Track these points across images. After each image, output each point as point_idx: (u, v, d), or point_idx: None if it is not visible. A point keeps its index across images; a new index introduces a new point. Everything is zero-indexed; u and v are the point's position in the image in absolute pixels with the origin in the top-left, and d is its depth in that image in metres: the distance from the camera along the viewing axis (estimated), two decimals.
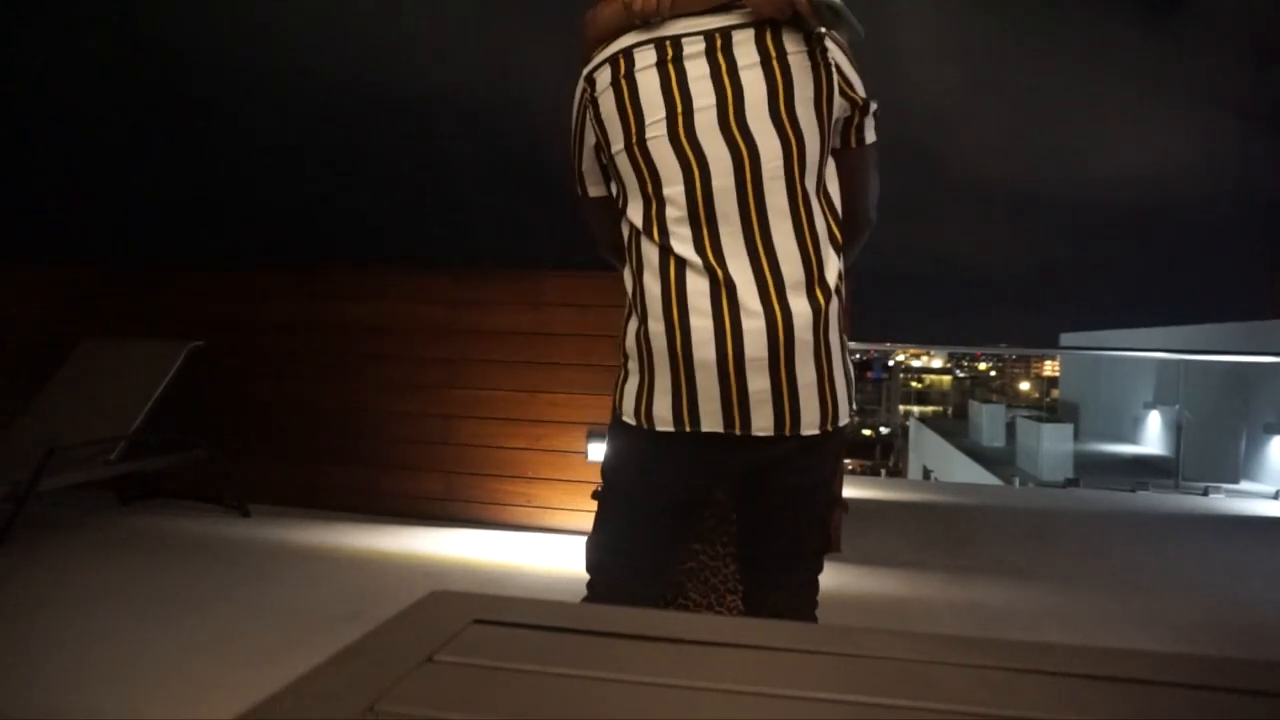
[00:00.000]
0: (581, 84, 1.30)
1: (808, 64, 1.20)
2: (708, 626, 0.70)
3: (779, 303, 1.19)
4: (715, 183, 1.20)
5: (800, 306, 1.20)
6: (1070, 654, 0.63)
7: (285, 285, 4.18)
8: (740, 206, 1.20)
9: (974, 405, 18.87)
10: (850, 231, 1.35)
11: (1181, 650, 0.68)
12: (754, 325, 1.19)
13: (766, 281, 1.19)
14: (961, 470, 14.87)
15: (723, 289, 1.19)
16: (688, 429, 1.23)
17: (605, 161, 1.30)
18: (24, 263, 4.58)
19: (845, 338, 1.29)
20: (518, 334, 3.84)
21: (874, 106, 1.28)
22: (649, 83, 1.22)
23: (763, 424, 1.22)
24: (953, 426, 19.75)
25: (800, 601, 1.39)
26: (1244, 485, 10.07)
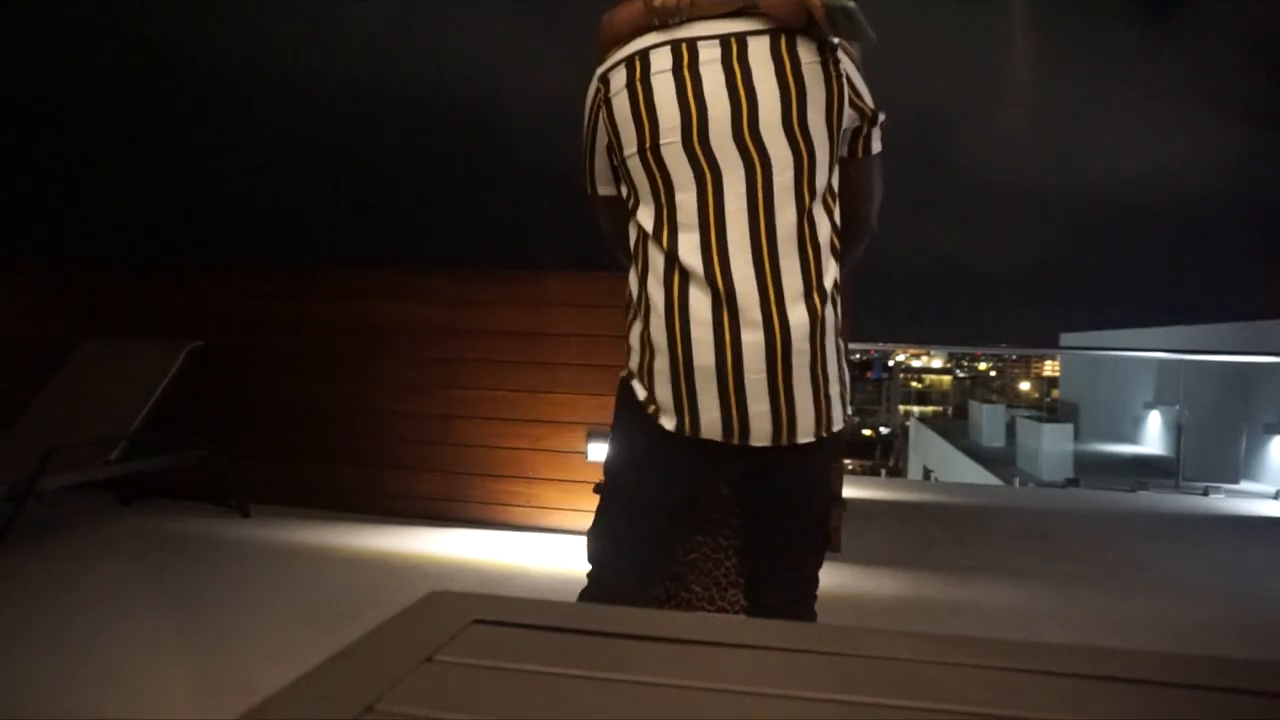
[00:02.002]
0: (595, 83, 1.30)
1: (821, 74, 1.21)
2: (708, 626, 0.70)
3: (778, 313, 1.21)
4: (728, 192, 1.22)
5: (798, 316, 1.22)
6: (1070, 654, 0.63)
7: (285, 285, 4.18)
8: (750, 215, 1.22)
9: (974, 405, 18.86)
10: (852, 238, 1.37)
11: (1181, 650, 0.68)
12: (753, 338, 1.21)
13: (768, 291, 1.21)
14: (961, 470, 14.86)
15: (724, 300, 1.21)
16: (687, 433, 1.26)
17: (616, 163, 1.32)
18: (24, 262, 4.58)
19: (841, 341, 1.31)
20: (518, 334, 3.84)
21: (881, 117, 1.29)
22: (664, 88, 1.23)
23: (760, 435, 1.25)
24: (953, 426, 19.74)
25: (799, 597, 1.41)
26: (1244, 485, 10.06)
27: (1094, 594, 3.13)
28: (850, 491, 4.00)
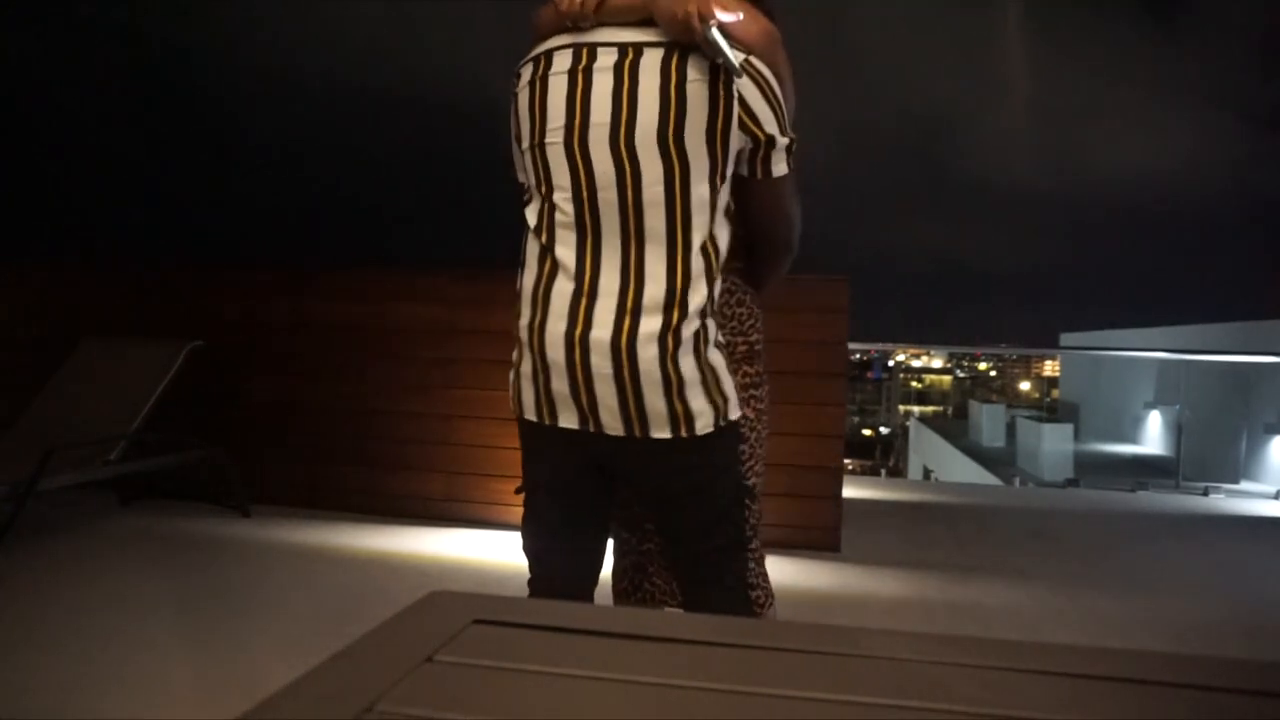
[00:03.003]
0: (513, 77, 1.35)
1: (705, 93, 1.21)
2: (708, 626, 0.70)
3: (631, 320, 1.22)
4: (600, 195, 1.24)
5: (650, 327, 1.22)
6: (1070, 654, 0.63)
7: (285, 285, 4.17)
8: (621, 222, 1.24)
9: (974, 405, 18.87)
10: (767, 259, 1.42)
11: (1181, 650, 0.68)
12: (602, 336, 1.23)
13: (628, 298, 1.23)
14: (962, 470, 14.87)
15: (584, 297, 1.24)
16: (547, 422, 1.30)
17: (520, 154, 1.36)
18: (24, 263, 4.58)
19: (719, 355, 1.30)
20: None
21: (784, 141, 1.28)
22: (557, 88, 1.27)
23: (612, 426, 1.27)
24: (953, 426, 19.74)
25: (723, 595, 1.39)
26: (1244, 485, 10.07)
27: (1094, 594, 3.13)
28: (850, 491, 4.00)
